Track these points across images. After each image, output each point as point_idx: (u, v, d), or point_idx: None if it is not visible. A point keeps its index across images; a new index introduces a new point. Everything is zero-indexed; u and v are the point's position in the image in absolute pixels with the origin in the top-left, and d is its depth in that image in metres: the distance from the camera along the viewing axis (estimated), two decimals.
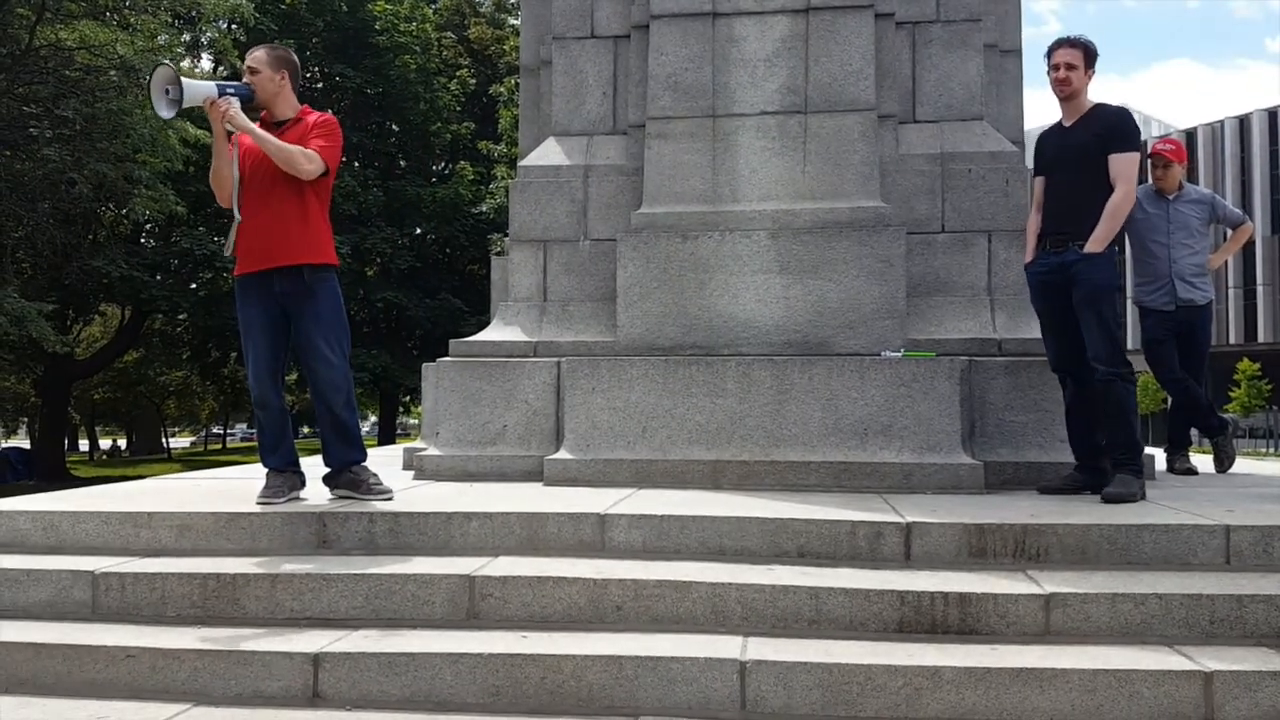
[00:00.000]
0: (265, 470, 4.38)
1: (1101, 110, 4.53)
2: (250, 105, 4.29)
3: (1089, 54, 4.49)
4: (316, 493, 4.41)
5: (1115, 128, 4.45)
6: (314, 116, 4.37)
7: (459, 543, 3.80)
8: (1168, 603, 3.17)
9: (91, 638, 3.30)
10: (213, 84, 4.22)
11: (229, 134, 4.20)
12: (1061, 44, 4.54)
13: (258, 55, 4.35)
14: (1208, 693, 2.86)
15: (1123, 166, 4.39)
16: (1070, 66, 4.49)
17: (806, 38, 5.49)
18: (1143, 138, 4.68)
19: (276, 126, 4.30)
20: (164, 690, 3.15)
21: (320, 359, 4.25)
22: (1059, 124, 4.65)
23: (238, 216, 4.21)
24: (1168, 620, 3.16)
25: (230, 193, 4.24)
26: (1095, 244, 4.37)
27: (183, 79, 4.09)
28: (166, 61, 4.16)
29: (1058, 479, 4.56)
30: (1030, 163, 4.94)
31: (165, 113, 4.14)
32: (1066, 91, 4.51)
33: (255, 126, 4.17)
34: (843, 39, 5.47)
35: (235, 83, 4.32)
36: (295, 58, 4.50)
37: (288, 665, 3.12)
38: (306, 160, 4.16)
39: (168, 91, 4.10)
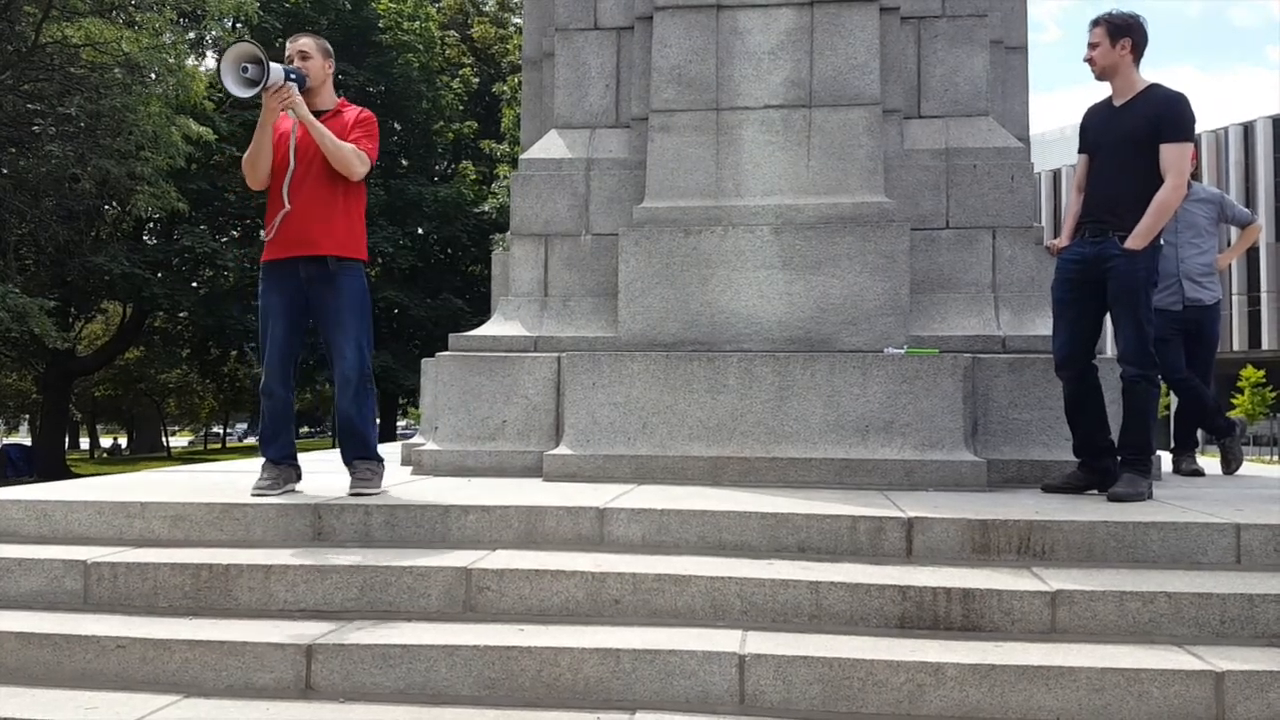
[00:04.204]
0: (262, 460, 4.33)
1: (1155, 93, 4.26)
2: (301, 91, 4.18)
3: (1114, 28, 4.25)
4: (312, 486, 4.36)
5: (1168, 115, 4.18)
6: (352, 112, 4.31)
7: (456, 535, 3.75)
8: (1177, 602, 3.11)
9: (82, 628, 3.25)
10: (281, 66, 4.10)
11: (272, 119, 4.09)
12: (1090, 24, 4.36)
13: (308, 43, 4.29)
14: (1219, 693, 2.80)
15: (1174, 157, 4.15)
16: (1093, 45, 4.31)
17: (811, 31, 5.45)
18: None
19: (315, 115, 4.22)
20: (154, 681, 3.09)
21: (335, 352, 4.23)
22: (1108, 101, 4.41)
23: (287, 206, 4.13)
24: (1177, 619, 3.10)
25: (265, 176, 4.19)
26: (1137, 239, 4.14)
27: (270, 62, 3.91)
28: (249, 39, 4.06)
29: (1062, 477, 4.49)
30: (1036, 160, 4.87)
31: (241, 92, 3.95)
32: (1095, 71, 4.33)
33: (315, 119, 4.10)
34: (847, 32, 5.43)
35: (291, 67, 4.20)
36: None
37: (280, 657, 3.07)
38: (360, 162, 4.15)
39: (245, 70, 3.95)
